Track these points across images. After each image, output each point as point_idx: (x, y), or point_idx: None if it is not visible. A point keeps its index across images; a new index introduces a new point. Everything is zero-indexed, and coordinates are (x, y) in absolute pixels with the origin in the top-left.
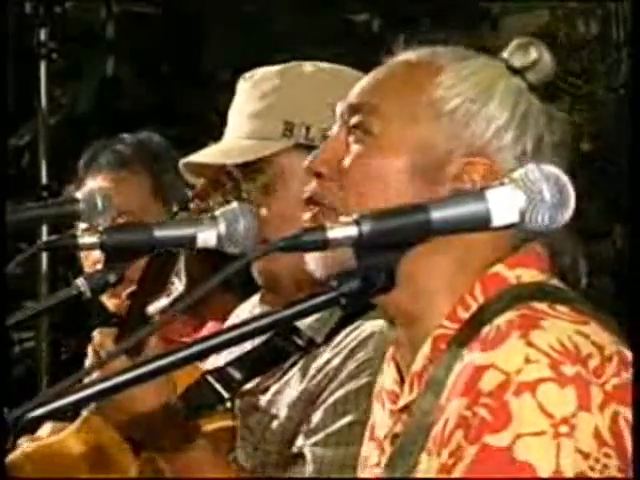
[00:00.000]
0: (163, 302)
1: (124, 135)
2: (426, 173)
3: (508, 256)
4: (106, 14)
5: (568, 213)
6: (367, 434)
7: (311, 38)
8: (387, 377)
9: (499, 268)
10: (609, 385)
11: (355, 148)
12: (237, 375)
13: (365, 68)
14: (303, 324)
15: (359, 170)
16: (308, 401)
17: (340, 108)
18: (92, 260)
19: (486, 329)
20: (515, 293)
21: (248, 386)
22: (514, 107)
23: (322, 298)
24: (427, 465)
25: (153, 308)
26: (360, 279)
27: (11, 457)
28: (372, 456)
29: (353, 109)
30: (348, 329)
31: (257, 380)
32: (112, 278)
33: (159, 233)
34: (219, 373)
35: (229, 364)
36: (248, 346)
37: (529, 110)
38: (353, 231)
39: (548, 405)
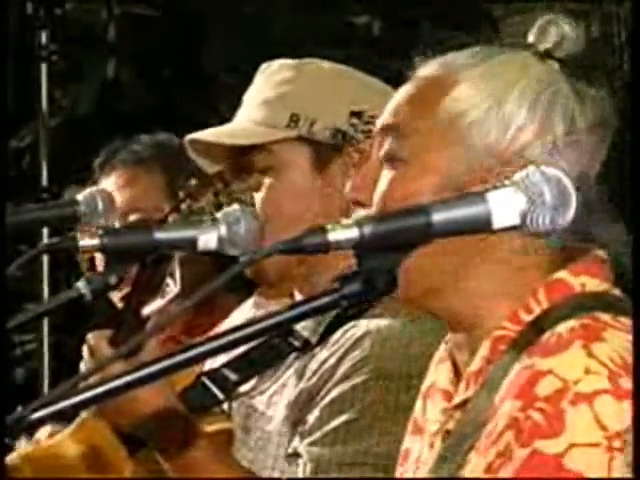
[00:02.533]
0: (158, 303)
1: (142, 135)
2: (452, 193)
3: (571, 261)
4: (107, 16)
5: (569, 215)
6: (410, 428)
7: (311, 40)
8: (441, 376)
9: (563, 274)
10: None
11: (387, 176)
12: (232, 376)
13: (365, 70)
14: (298, 324)
15: (393, 197)
16: (305, 402)
17: (376, 128)
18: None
19: (547, 335)
20: (579, 301)
21: (244, 388)
22: (534, 101)
23: (323, 300)
24: (474, 463)
25: (148, 309)
26: (361, 281)
27: (9, 459)
28: (414, 450)
29: (382, 135)
30: (343, 329)
31: (253, 382)
32: (113, 280)
33: (160, 235)
34: (214, 374)
35: (224, 365)
36: (243, 347)
37: (555, 98)
38: (354, 233)
39: (604, 417)
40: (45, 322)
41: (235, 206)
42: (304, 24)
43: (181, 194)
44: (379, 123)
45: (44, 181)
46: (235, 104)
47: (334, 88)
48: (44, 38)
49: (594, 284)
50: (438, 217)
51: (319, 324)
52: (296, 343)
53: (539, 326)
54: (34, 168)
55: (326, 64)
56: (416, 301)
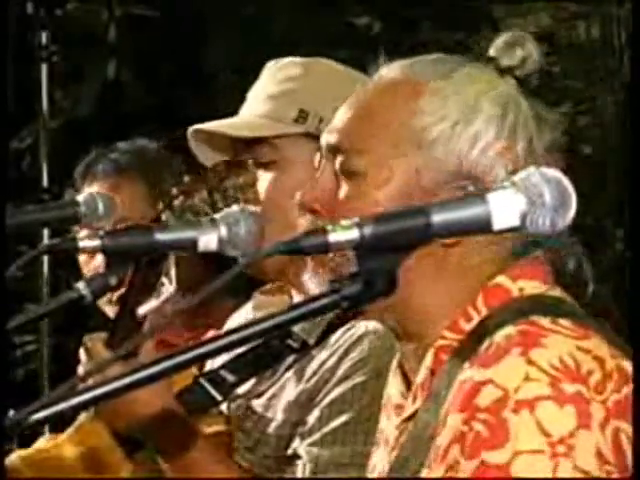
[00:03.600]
0: (153, 303)
1: (119, 143)
2: (416, 203)
3: (510, 266)
4: (107, 17)
5: (569, 216)
6: (376, 441)
7: (312, 41)
8: (393, 388)
9: (501, 279)
10: (610, 402)
11: (345, 189)
12: (230, 378)
13: (365, 71)
14: (296, 326)
15: (351, 209)
16: (305, 403)
17: (323, 143)
18: (92, 267)
19: (485, 344)
20: (517, 307)
21: (242, 389)
22: (502, 119)
23: (323, 301)
24: (431, 477)
25: (143, 309)
26: (361, 282)
27: (7, 461)
28: (379, 464)
29: (335, 149)
30: (342, 329)
31: (251, 383)
32: (113, 281)
33: (160, 236)
34: (212, 376)
35: (222, 367)
36: (241, 348)
37: (517, 118)
38: (354, 234)
39: (546, 424)
40: (45, 323)
41: (235, 207)
42: (304, 24)
43: (174, 191)
44: (330, 138)
45: (44, 182)
46: (235, 104)
47: (342, 87)
48: (44, 39)
49: (533, 286)
50: (438, 218)
51: (317, 325)
52: (294, 344)
53: (478, 334)
54: (34, 169)
55: (333, 64)
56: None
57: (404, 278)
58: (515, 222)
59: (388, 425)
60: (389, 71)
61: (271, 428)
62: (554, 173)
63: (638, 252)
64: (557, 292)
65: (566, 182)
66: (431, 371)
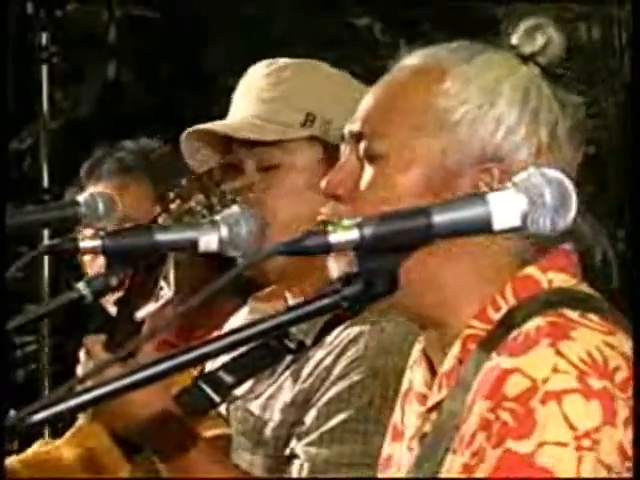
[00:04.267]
0: (151, 307)
1: (125, 142)
2: (440, 186)
3: (537, 257)
4: (107, 18)
5: (570, 217)
6: (389, 434)
7: (312, 41)
8: (416, 378)
9: (531, 270)
10: (631, 401)
11: (368, 173)
12: (228, 379)
13: (366, 71)
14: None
15: (374, 193)
16: (302, 403)
17: (346, 132)
18: (96, 267)
19: (514, 333)
20: (546, 298)
21: (240, 391)
22: (524, 103)
23: (324, 302)
24: (451, 465)
25: (141, 313)
26: (362, 282)
27: (6, 463)
28: (395, 456)
29: (358, 136)
30: (338, 329)
31: (249, 385)
32: (114, 282)
33: (161, 237)
34: (210, 377)
35: (220, 368)
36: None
37: (541, 101)
38: (355, 235)
39: (573, 417)
40: (45, 323)
41: (235, 207)
42: (304, 25)
43: (171, 194)
44: (354, 125)
45: (45, 183)
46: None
47: (347, 89)
48: (44, 39)
49: (562, 279)
50: (439, 218)
51: (314, 326)
52: (291, 345)
53: (507, 324)
54: (35, 170)
55: (326, 65)
56: (388, 300)
57: (432, 264)
58: (516, 222)
59: (409, 414)
60: (411, 59)
61: (269, 429)
62: (555, 173)
63: (638, 252)
64: (585, 287)
65: (567, 182)
66: (458, 360)
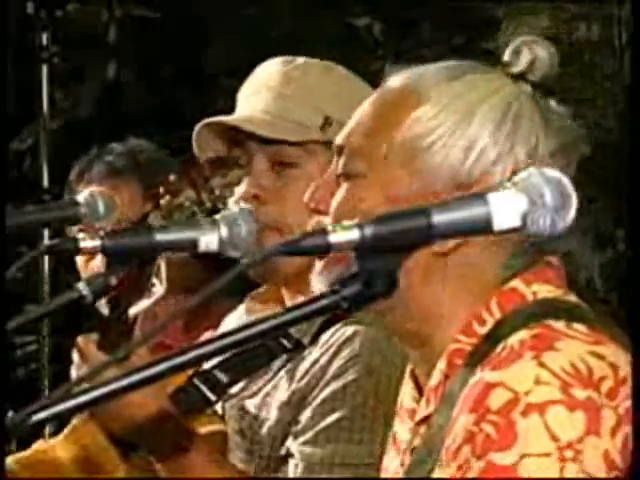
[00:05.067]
0: (144, 304)
1: (114, 144)
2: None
3: (524, 270)
4: (108, 18)
5: (570, 217)
6: (389, 445)
7: (312, 42)
8: (406, 395)
9: (515, 283)
10: (621, 408)
11: (342, 189)
12: (223, 378)
13: (366, 71)
14: None
15: (339, 210)
16: (297, 402)
17: (335, 143)
18: (90, 270)
19: (500, 347)
20: (531, 310)
21: (236, 389)
22: (500, 123)
23: (324, 302)
24: (438, 477)
25: (134, 310)
26: (362, 283)
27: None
28: (392, 466)
29: (340, 149)
30: (333, 329)
31: (245, 383)
32: (113, 281)
33: (160, 237)
34: (205, 376)
35: (215, 367)
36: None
37: (518, 122)
38: (355, 235)
39: (555, 428)
40: (46, 323)
41: (236, 208)
42: (304, 25)
43: (161, 190)
44: (338, 139)
45: (45, 183)
46: (235, 105)
47: (360, 94)
48: (45, 39)
49: (547, 290)
50: (439, 219)
51: (310, 325)
52: (287, 344)
53: (492, 338)
54: (35, 170)
55: (343, 69)
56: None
57: (418, 280)
58: (516, 222)
59: (401, 429)
60: (394, 80)
61: (265, 428)
62: (554, 173)
63: (638, 252)
64: (571, 297)
65: (566, 182)
66: (445, 375)
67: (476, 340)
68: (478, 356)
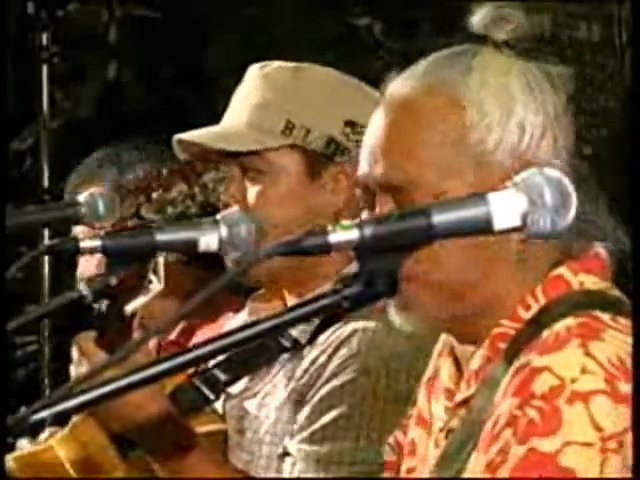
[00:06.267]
0: (141, 300)
1: (96, 151)
2: None
3: (571, 258)
4: (108, 17)
5: (570, 217)
6: (413, 420)
7: (312, 42)
8: (443, 372)
9: (562, 271)
10: None
11: (384, 201)
12: (222, 377)
13: (366, 71)
14: None
15: None
16: (296, 401)
17: (362, 183)
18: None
19: (545, 333)
20: (577, 299)
21: (236, 389)
22: (535, 104)
23: (325, 301)
24: (476, 461)
25: (131, 306)
26: (362, 283)
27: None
28: (420, 444)
29: (385, 188)
30: (332, 328)
31: (244, 383)
32: (113, 281)
33: (161, 237)
34: (205, 375)
35: (215, 366)
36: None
37: (543, 96)
38: (355, 235)
39: (599, 418)
40: (46, 323)
41: (235, 208)
42: (304, 25)
43: (153, 185)
44: (371, 175)
45: (45, 183)
46: None
47: (330, 96)
48: (45, 39)
49: (592, 282)
50: (439, 218)
51: (308, 324)
52: (286, 343)
53: (537, 323)
54: (35, 170)
55: (323, 70)
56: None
57: (472, 268)
58: (516, 222)
59: (436, 406)
60: (404, 89)
61: (264, 428)
62: (554, 173)
63: (638, 252)
64: (616, 291)
65: (566, 181)
66: (487, 358)
67: (520, 325)
68: (522, 340)
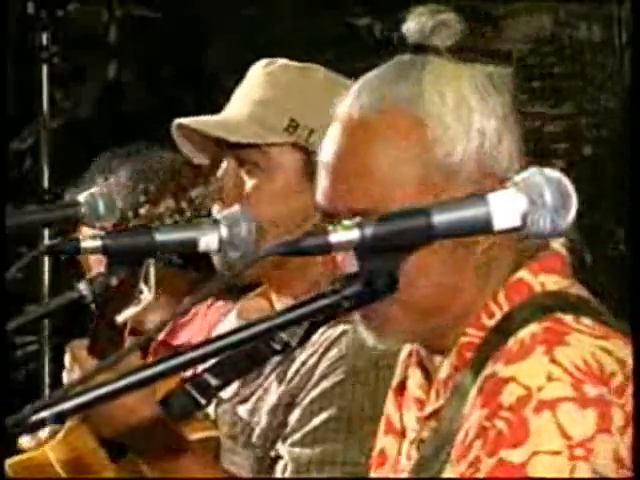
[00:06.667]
0: (132, 310)
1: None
2: None
3: (530, 259)
4: (108, 17)
5: (570, 217)
6: (382, 428)
7: (312, 42)
8: (413, 382)
9: (523, 274)
10: (629, 405)
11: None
12: (213, 381)
13: (366, 71)
14: None
15: None
16: (287, 404)
17: (322, 206)
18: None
19: (511, 341)
20: (539, 302)
21: (227, 394)
22: (486, 108)
23: (324, 301)
24: (448, 474)
25: (122, 317)
26: (362, 282)
27: None
28: (390, 452)
29: (357, 213)
30: (321, 330)
31: (236, 387)
32: (114, 282)
33: (161, 237)
34: (196, 380)
35: (206, 370)
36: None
37: (491, 98)
38: (355, 234)
39: (567, 425)
40: (46, 323)
41: (235, 207)
42: (304, 25)
43: (141, 198)
44: (337, 201)
45: (45, 183)
46: None
47: (334, 99)
48: (45, 39)
49: (554, 281)
50: (439, 218)
51: (299, 326)
52: (277, 346)
53: (502, 330)
54: (35, 170)
55: (329, 73)
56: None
57: (435, 274)
58: (516, 222)
59: (408, 416)
60: (359, 108)
61: (256, 431)
62: (555, 173)
63: (638, 252)
64: (577, 288)
65: (567, 182)
66: (455, 368)
67: (484, 333)
68: (488, 349)
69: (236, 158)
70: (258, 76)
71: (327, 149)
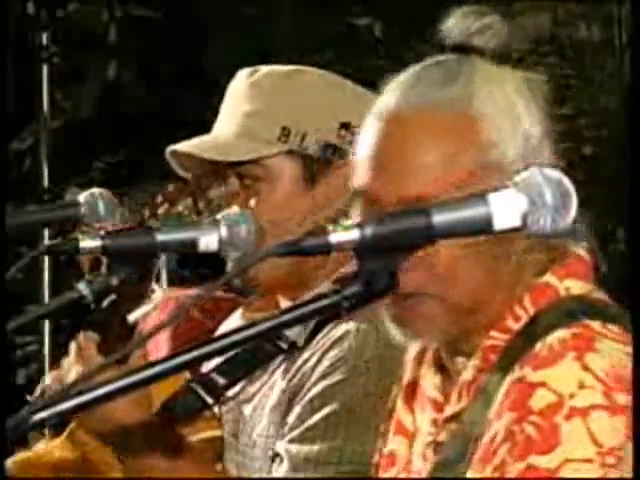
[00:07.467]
0: (144, 309)
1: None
2: None
3: (555, 263)
4: (108, 18)
5: (570, 217)
6: (392, 429)
7: (312, 42)
8: (428, 382)
9: (548, 278)
10: None
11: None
12: (220, 380)
13: (366, 71)
14: None
15: None
16: (288, 402)
17: (363, 191)
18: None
19: (538, 346)
20: (566, 307)
21: (232, 392)
22: (537, 113)
23: (324, 302)
24: (472, 477)
25: (133, 316)
26: (362, 283)
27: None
28: (401, 454)
29: (406, 201)
30: (325, 330)
31: (242, 386)
32: (114, 282)
33: (161, 237)
34: (202, 379)
35: (213, 370)
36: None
37: (535, 103)
38: (355, 235)
39: (598, 433)
40: (46, 324)
41: (235, 208)
42: (304, 25)
43: (159, 198)
44: (390, 196)
45: (45, 182)
46: None
47: (324, 99)
48: (45, 39)
49: (579, 287)
50: (439, 218)
51: (305, 326)
52: (283, 345)
53: (528, 334)
54: (35, 170)
55: (315, 73)
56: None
57: (459, 273)
58: (516, 222)
59: (422, 418)
60: (407, 104)
61: (258, 429)
62: (555, 173)
63: (638, 252)
64: (601, 294)
65: (567, 182)
66: (479, 370)
67: (509, 336)
68: (514, 353)
69: (236, 174)
70: (243, 87)
71: (369, 140)
